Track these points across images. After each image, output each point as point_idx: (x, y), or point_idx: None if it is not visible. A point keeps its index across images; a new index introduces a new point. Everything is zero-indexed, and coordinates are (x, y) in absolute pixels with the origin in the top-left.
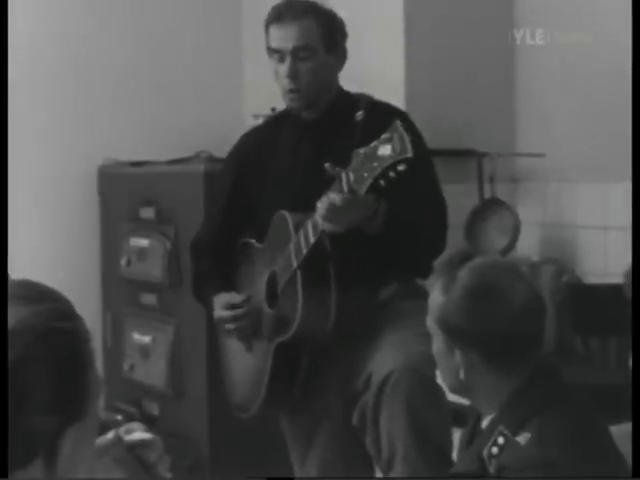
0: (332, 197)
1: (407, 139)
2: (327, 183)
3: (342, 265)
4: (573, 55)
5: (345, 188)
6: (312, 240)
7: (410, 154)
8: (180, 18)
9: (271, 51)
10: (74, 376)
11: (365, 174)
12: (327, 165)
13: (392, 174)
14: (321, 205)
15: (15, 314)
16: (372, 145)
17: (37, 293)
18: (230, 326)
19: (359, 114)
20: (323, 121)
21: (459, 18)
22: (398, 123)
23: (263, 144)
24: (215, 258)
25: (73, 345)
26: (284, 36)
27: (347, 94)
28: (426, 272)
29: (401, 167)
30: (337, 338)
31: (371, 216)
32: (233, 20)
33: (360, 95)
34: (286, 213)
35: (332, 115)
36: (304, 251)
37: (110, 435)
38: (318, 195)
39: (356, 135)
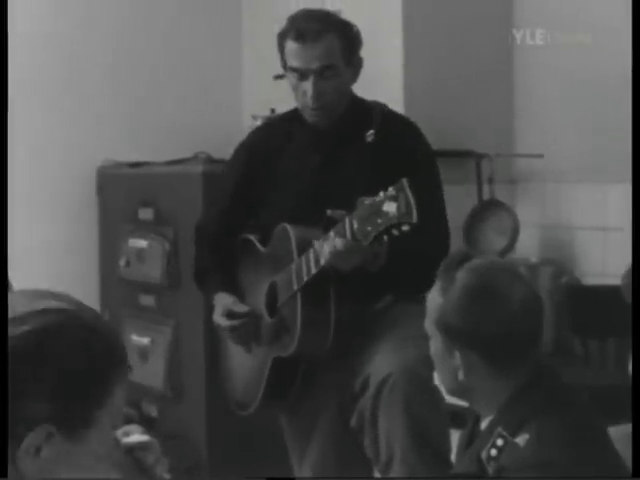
0: (338, 242)
1: (413, 204)
2: (331, 194)
3: (343, 288)
4: (573, 55)
5: (348, 235)
6: (314, 271)
7: (414, 220)
8: (179, 19)
9: (291, 69)
10: (93, 388)
11: (369, 228)
12: (329, 212)
13: (395, 232)
14: (323, 246)
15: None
16: (377, 199)
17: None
18: (227, 334)
19: (369, 134)
20: (335, 129)
21: (458, 19)
22: (404, 182)
23: (273, 142)
24: (216, 250)
25: (107, 361)
26: (307, 56)
27: (361, 102)
28: (427, 289)
29: (405, 228)
30: (335, 349)
31: (372, 258)
32: (232, 21)
33: (374, 104)
34: (288, 227)
35: (344, 124)
36: (305, 278)
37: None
38: (321, 202)
39: (366, 154)
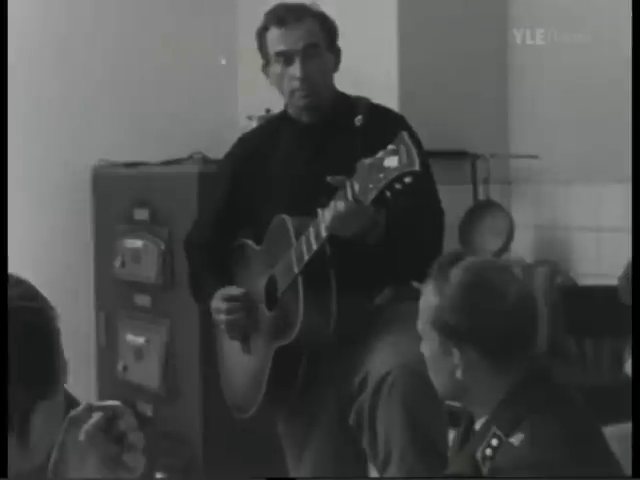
0: (339, 204)
1: (414, 152)
2: (324, 187)
3: (342, 270)
4: (570, 55)
5: (350, 197)
6: (315, 247)
7: (417, 167)
8: (176, 20)
9: (276, 55)
10: (42, 353)
11: (370, 185)
12: (329, 178)
13: (398, 186)
14: (327, 212)
15: None
16: (378, 156)
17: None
18: (223, 317)
19: (358, 119)
20: (322, 124)
21: (453, 18)
22: (405, 134)
23: (261, 146)
24: (209, 258)
25: (40, 323)
26: (291, 37)
27: (345, 97)
28: (423, 276)
29: (408, 179)
30: (336, 341)
31: (370, 226)
32: (227, 21)
33: (358, 98)
34: (285, 217)
35: (331, 118)
36: (306, 258)
37: (81, 406)
38: (315, 199)
39: (356, 141)
